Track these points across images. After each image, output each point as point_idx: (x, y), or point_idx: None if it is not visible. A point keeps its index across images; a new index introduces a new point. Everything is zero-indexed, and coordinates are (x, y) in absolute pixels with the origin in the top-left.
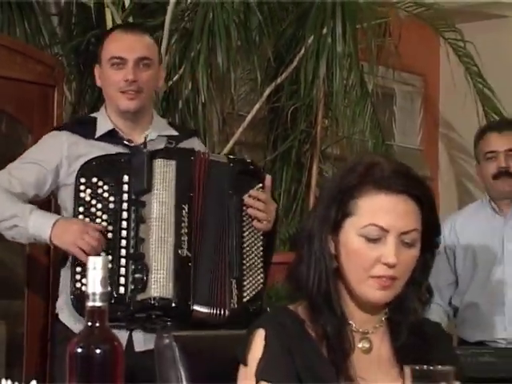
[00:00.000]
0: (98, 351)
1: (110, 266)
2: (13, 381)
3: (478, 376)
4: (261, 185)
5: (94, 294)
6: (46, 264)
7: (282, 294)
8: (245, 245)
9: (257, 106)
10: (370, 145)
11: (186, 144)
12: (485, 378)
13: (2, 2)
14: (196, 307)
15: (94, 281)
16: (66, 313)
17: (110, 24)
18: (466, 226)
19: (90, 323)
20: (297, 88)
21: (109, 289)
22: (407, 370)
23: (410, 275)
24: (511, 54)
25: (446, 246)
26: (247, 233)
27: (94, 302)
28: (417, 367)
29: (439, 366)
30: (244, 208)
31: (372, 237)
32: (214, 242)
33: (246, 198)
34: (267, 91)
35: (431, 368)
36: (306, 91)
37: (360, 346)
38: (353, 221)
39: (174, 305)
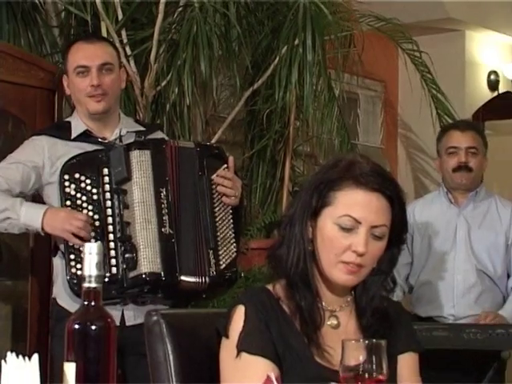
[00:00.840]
0: (93, 327)
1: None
2: (17, 354)
3: (432, 348)
4: (226, 165)
5: (89, 276)
6: (48, 248)
7: (258, 277)
8: (217, 219)
9: (236, 109)
10: (337, 143)
11: (152, 137)
12: (438, 349)
13: (8, 16)
14: (183, 277)
15: (90, 265)
16: (63, 296)
17: (105, 35)
18: (424, 213)
19: (86, 302)
20: (272, 93)
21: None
22: (345, 343)
23: (378, 266)
24: (461, 63)
25: None
26: (218, 208)
27: (90, 284)
28: (353, 341)
29: (373, 340)
30: (213, 186)
31: (346, 226)
32: (191, 218)
33: (214, 177)
34: (245, 95)
35: (366, 341)
36: (280, 95)
37: (329, 323)
38: (330, 210)
39: (163, 278)
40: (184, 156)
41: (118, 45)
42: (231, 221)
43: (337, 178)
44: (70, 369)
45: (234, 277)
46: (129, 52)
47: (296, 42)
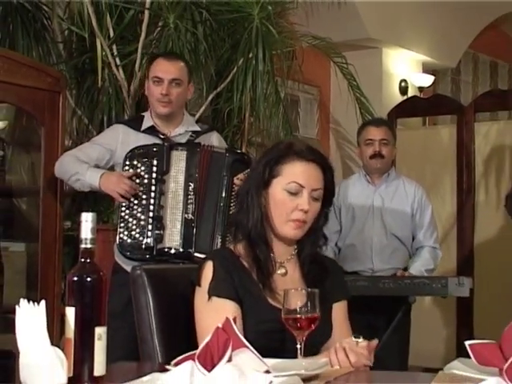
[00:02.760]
0: (88, 279)
1: (143, 223)
2: (28, 301)
3: (357, 294)
4: (248, 170)
5: (85, 239)
6: (55, 215)
7: None
8: (231, 212)
9: (203, 108)
10: (282, 135)
11: (205, 137)
12: (361, 296)
13: (22, 33)
14: (196, 254)
15: (87, 229)
16: (117, 254)
17: (99, 49)
18: (348, 191)
19: (82, 260)
20: (231, 95)
21: (141, 238)
22: (287, 291)
23: (314, 225)
24: (378, 73)
25: (334, 204)
26: (233, 203)
27: (86, 245)
28: (293, 290)
29: (309, 289)
30: (234, 186)
31: (293, 191)
32: (210, 209)
33: (235, 179)
34: (210, 97)
35: (303, 290)
36: (238, 97)
37: (279, 271)
38: (279, 180)
39: (180, 252)
40: (214, 158)
41: (109, 57)
42: None
43: (281, 155)
44: (70, 312)
45: None
46: (118, 62)
47: (250, 55)
